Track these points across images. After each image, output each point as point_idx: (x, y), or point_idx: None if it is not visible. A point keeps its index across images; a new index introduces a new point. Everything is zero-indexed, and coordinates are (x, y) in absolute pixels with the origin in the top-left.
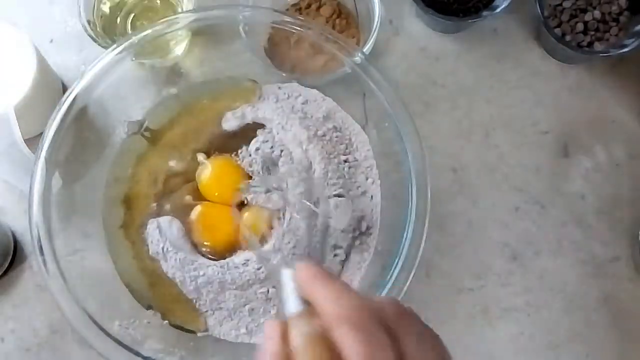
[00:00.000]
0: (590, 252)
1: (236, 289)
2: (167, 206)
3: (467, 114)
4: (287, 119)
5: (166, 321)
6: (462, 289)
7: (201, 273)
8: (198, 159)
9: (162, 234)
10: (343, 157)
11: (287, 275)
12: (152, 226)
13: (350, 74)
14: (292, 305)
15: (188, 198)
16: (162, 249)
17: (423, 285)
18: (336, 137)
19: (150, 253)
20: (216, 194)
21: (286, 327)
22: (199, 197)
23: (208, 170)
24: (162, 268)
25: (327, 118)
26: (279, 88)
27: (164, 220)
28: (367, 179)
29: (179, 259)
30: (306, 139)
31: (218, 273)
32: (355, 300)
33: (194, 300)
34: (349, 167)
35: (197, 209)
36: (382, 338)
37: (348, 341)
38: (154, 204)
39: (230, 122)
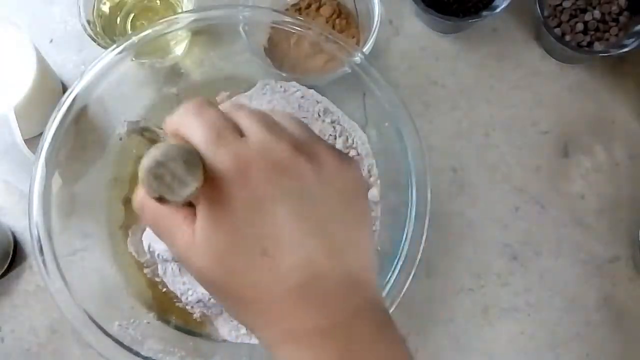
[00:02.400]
0: (590, 252)
1: None
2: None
3: (467, 114)
4: (284, 110)
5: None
6: (462, 289)
7: (190, 294)
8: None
9: (152, 243)
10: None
11: None
12: (145, 234)
13: (350, 74)
14: None
15: None
16: (155, 255)
17: (423, 286)
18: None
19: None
20: None
21: None
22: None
23: None
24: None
25: (325, 113)
26: (275, 81)
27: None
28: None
29: (172, 269)
30: None
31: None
32: (197, 100)
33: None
34: None
35: None
36: (214, 113)
37: (186, 122)
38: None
39: None
